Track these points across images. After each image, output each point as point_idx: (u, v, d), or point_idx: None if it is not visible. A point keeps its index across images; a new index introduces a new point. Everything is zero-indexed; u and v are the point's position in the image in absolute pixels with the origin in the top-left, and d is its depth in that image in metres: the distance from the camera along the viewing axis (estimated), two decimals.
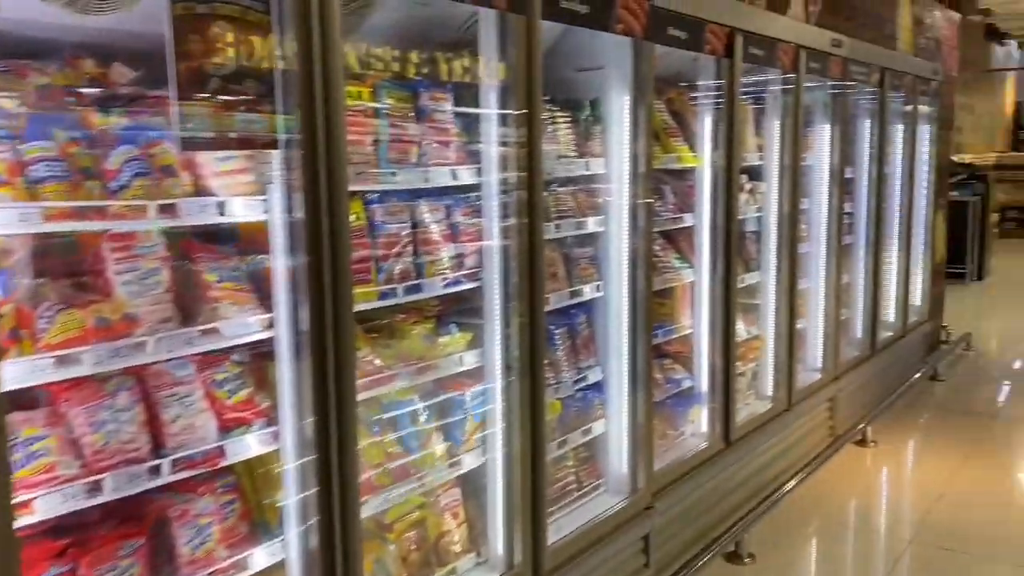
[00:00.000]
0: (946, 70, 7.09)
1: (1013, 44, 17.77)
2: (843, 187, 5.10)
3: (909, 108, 6.20)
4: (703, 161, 3.83)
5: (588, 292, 3.26)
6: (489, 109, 2.61)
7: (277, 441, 2.12)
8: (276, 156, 1.97)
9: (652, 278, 3.39)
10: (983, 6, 12.72)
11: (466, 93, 2.65)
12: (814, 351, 5.04)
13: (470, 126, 2.66)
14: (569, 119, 3.17)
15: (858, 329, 5.68)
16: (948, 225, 7.87)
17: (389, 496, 2.43)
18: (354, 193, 2.29)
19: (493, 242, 2.67)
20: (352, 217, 2.31)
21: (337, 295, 2.04)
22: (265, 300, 2.10)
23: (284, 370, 2.07)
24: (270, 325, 2.07)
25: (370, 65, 2.42)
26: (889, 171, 5.96)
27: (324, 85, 1.97)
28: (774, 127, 4.39)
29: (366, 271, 2.32)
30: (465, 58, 2.62)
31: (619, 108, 3.24)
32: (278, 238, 2.03)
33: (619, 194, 3.27)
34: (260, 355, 2.18)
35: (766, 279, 4.47)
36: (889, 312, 6.21)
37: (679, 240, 3.96)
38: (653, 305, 3.44)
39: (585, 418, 3.24)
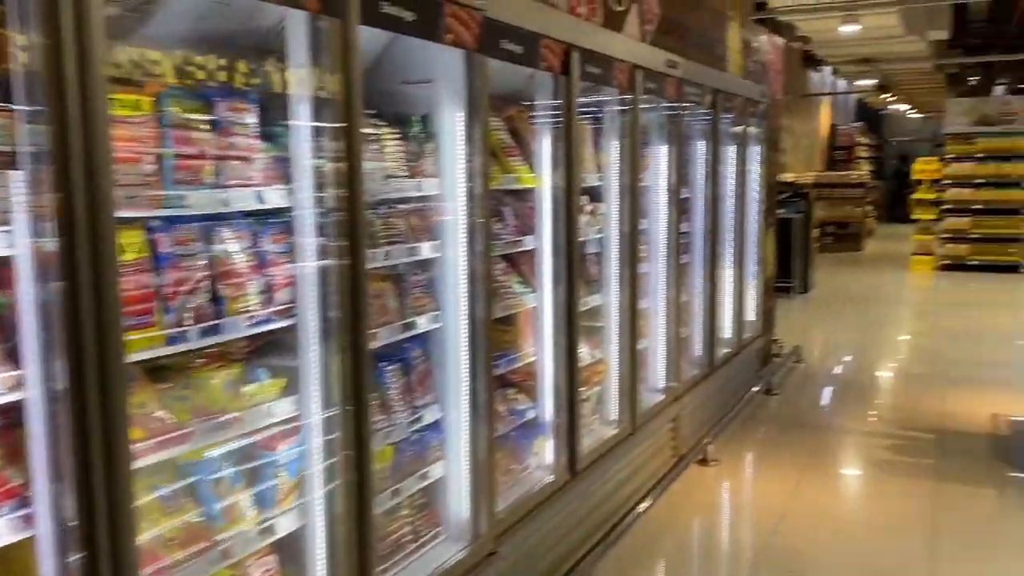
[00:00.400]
0: (772, 93, 7.37)
1: (828, 70, 19.10)
2: (680, 207, 5.11)
3: (740, 129, 6.36)
4: (543, 181, 3.68)
5: (423, 323, 3.00)
6: (301, 122, 2.32)
7: (33, 526, 1.73)
8: (18, 177, 1.60)
9: (493, 305, 3.19)
10: (801, 34, 13.54)
11: (274, 104, 2.34)
12: (656, 371, 5.00)
13: (279, 141, 2.35)
14: (398, 135, 2.91)
15: (697, 347, 5.72)
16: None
17: (186, 574, 2.07)
18: (132, 220, 1.93)
19: (309, 272, 2.37)
20: (133, 249, 1.96)
21: (103, 342, 1.68)
22: (14, 353, 1.71)
23: (38, 438, 1.69)
24: (19, 384, 1.69)
25: (190, 74, 2.09)
26: (722, 191, 6.07)
27: (81, 91, 1.61)
28: (613, 147, 4.31)
29: (148, 312, 1.95)
30: (272, 65, 2.32)
31: (452, 125, 3.02)
32: (26, 278, 1.65)
33: (455, 216, 3.05)
34: (13, 421, 1.78)
35: (608, 300, 4.37)
36: (725, 329, 6.33)
37: (520, 263, 3.78)
38: (495, 333, 3.24)
39: (421, 462, 2.97)
